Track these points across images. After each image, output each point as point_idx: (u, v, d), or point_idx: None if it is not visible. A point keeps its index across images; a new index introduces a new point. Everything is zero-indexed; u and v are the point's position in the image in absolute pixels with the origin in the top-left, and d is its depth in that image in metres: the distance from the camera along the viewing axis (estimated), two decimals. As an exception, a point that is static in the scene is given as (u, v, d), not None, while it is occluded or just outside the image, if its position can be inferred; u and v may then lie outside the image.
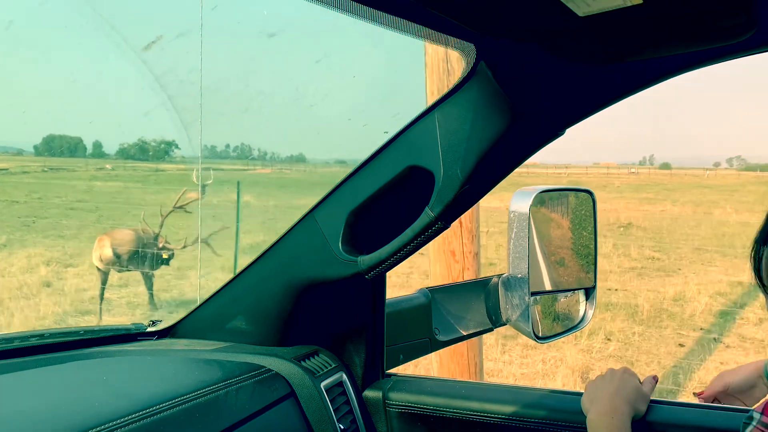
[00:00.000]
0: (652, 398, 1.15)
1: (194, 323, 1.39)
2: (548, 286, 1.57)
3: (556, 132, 1.02)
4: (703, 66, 0.91)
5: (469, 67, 1.01)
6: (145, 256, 8.06)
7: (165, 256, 8.08)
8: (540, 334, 1.51)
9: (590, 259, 1.62)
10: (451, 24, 0.86)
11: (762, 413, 0.72)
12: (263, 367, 1.18)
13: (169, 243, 8.27)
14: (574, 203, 1.65)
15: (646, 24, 0.76)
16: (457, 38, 0.94)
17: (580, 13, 0.71)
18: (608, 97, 0.96)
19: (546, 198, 1.55)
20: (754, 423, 0.72)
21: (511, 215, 1.47)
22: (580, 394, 1.19)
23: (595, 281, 1.61)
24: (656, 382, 1.19)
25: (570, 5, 0.69)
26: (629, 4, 0.68)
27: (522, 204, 1.45)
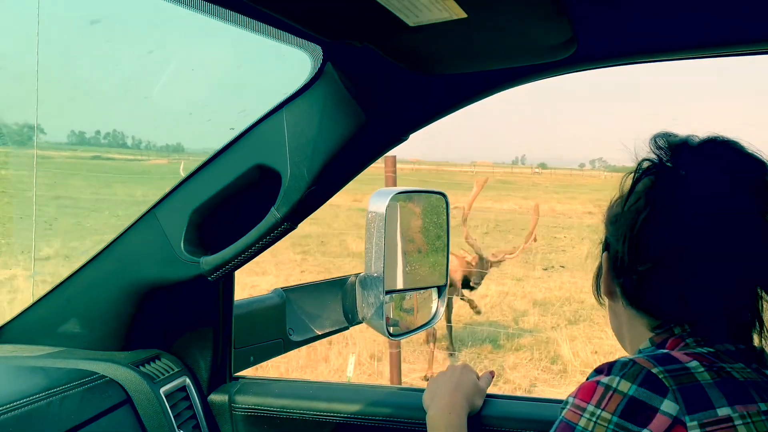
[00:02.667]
0: (488, 392, 1.22)
1: (22, 327, 1.27)
2: (403, 285, 1.61)
3: (399, 136, 1.04)
4: (531, 80, 0.97)
5: (317, 67, 1.01)
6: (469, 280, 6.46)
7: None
8: (392, 332, 1.54)
9: (442, 259, 1.68)
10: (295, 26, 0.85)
11: (575, 396, 0.78)
12: (96, 373, 1.10)
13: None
14: (429, 205, 1.70)
15: (473, 39, 0.79)
16: (303, 39, 0.94)
17: (410, 23, 0.72)
18: (446, 105, 1.00)
19: (402, 199, 1.59)
20: (567, 407, 0.78)
21: (369, 216, 1.48)
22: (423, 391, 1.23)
23: (446, 279, 1.68)
24: (493, 377, 1.26)
25: (400, 16, 0.70)
26: (454, 17, 0.70)
27: (379, 205, 1.47)
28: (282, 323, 1.46)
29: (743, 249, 0.79)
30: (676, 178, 0.82)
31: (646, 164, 0.86)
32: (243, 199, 1.12)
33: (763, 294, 0.83)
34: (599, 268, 0.95)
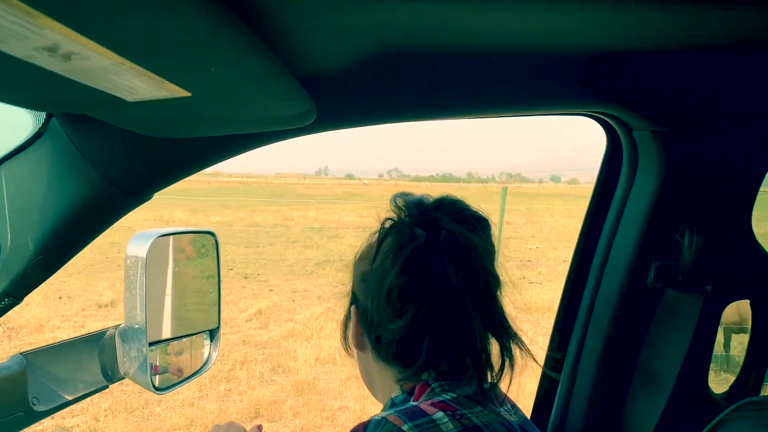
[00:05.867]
0: None
1: None
2: (170, 333, 1.52)
3: (140, 196, 0.97)
4: (278, 140, 0.97)
5: (40, 122, 0.90)
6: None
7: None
8: (158, 386, 1.45)
9: (214, 301, 1.62)
10: None
11: None
12: None
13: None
14: (197, 244, 1.63)
15: (204, 111, 0.76)
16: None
17: (129, 99, 0.67)
18: (191, 163, 0.96)
19: (166, 241, 1.49)
20: None
21: (128, 261, 1.37)
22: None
23: (218, 322, 1.62)
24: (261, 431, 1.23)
25: (117, 95, 0.65)
26: (176, 95, 0.67)
27: (139, 249, 1.36)
28: (23, 393, 1.28)
29: (475, 298, 0.85)
30: (414, 236, 0.87)
31: (388, 223, 0.91)
32: None
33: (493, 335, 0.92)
34: (346, 318, 0.98)
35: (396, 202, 0.92)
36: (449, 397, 0.85)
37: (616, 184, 1.19)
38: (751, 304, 1.24)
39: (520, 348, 0.89)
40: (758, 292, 1.23)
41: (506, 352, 0.88)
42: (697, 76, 1.07)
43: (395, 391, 0.90)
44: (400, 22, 0.81)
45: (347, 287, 0.98)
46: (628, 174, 1.15)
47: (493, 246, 0.91)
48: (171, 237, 1.53)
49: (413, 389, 0.88)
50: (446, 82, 0.97)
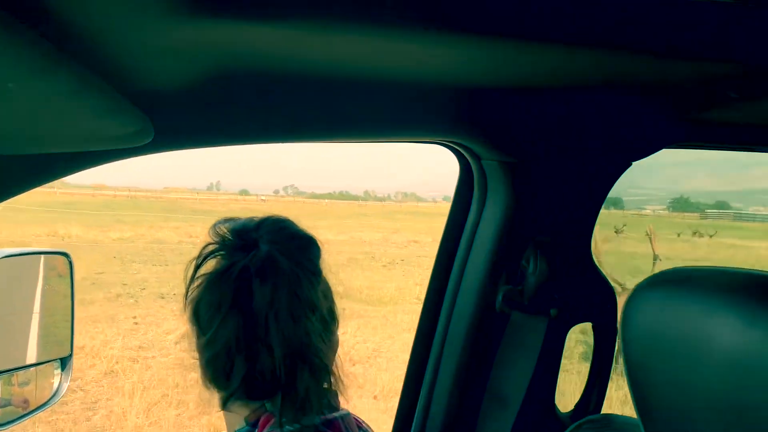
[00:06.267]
0: None
1: None
2: (13, 363, 1.41)
3: None
4: (116, 160, 0.93)
5: None
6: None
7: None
8: (-3, 420, 1.33)
9: (66, 327, 1.52)
10: None
11: None
12: None
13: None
14: (48, 266, 1.53)
15: (16, 125, 0.71)
16: None
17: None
18: (14, 184, 0.89)
19: (11, 263, 1.39)
20: None
21: (-35, 285, 1.27)
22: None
23: (71, 350, 1.52)
24: None
25: None
26: None
27: (-21, 271, 1.26)
28: None
29: (278, 321, 0.81)
30: (227, 257, 0.85)
31: (210, 248, 0.87)
32: None
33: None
34: None
35: (216, 229, 0.89)
36: (292, 429, 0.83)
37: (469, 211, 1.24)
38: (593, 327, 1.32)
39: (326, 379, 0.87)
40: (599, 315, 1.30)
41: (309, 380, 0.84)
42: (543, 113, 1.13)
43: (239, 424, 0.87)
44: (240, 44, 0.80)
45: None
46: (479, 201, 1.20)
47: (314, 267, 0.87)
48: (17, 258, 1.43)
49: (258, 421, 0.85)
50: (296, 106, 0.97)
